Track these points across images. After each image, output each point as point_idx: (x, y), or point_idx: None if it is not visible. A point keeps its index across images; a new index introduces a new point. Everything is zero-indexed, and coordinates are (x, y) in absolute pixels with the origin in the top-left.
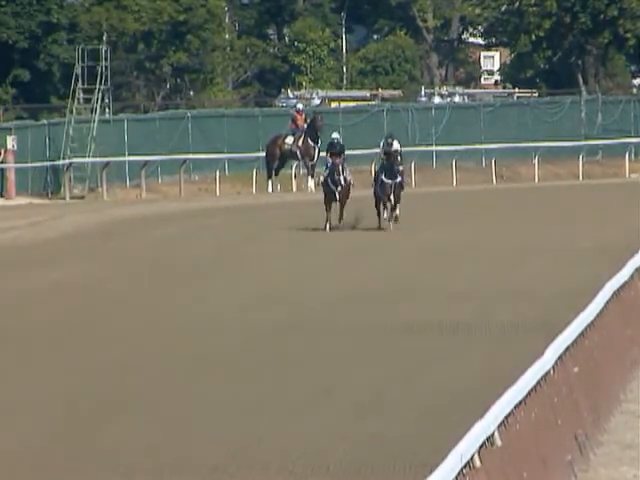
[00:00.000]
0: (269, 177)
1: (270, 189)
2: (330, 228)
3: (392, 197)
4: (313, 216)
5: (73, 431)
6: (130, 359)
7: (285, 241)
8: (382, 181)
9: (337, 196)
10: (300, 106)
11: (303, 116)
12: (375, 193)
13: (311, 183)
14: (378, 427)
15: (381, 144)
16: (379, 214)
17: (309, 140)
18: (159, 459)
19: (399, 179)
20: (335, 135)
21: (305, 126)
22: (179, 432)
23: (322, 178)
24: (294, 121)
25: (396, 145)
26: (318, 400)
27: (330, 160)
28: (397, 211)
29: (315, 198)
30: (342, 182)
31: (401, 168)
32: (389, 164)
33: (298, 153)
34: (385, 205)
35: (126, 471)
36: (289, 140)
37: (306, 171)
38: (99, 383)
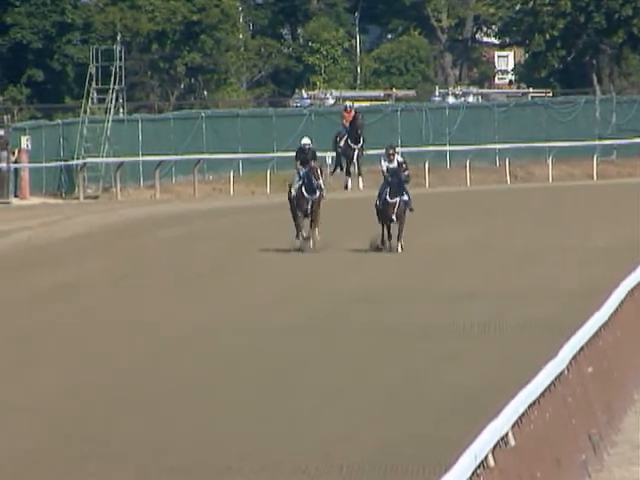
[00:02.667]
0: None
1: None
2: (300, 246)
3: (395, 217)
4: (327, 216)
5: (84, 431)
6: (140, 359)
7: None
8: (385, 200)
9: (309, 205)
10: (348, 104)
11: (352, 113)
12: (377, 212)
13: (356, 182)
14: (392, 427)
15: (381, 159)
16: (383, 233)
17: (349, 141)
18: (172, 459)
19: (405, 197)
20: (305, 140)
21: (348, 126)
22: (192, 432)
23: (293, 190)
24: (343, 119)
25: (398, 158)
26: (332, 400)
27: (301, 168)
28: (401, 241)
29: (339, 197)
30: (321, 187)
31: (408, 172)
32: (393, 180)
33: (340, 152)
34: (388, 225)
35: (138, 472)
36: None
37: (354, 170)
38: (109, 383)
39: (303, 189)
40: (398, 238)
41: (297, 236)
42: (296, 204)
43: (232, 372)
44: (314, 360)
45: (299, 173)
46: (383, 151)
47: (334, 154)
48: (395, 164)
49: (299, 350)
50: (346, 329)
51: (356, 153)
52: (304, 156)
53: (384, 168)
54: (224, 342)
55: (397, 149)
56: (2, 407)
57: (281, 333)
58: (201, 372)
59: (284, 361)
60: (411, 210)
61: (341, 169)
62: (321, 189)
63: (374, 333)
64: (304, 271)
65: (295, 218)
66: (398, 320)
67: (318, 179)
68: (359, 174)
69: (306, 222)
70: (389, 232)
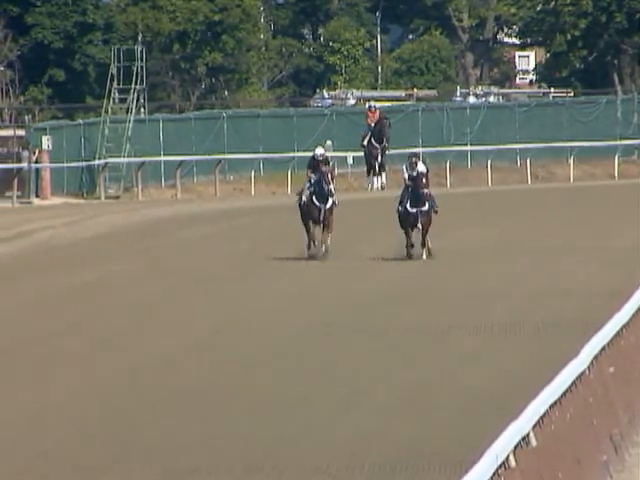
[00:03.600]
0: (367, 173)
1: (367, 185)
2: (311, 253)
3: (420, 226)
4: (347, 216)
5: (107, 431)
6: (163, 359)
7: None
8: (406, 210)
9: (322, 214)
10: (373, 104)
11: (376, 114)
12: (400, 220)
13: (377, 182)
14: (413, 427)
15: (404, 167)
16: (407, 234)
17: (373, 141)
18: (194, 459)
19: (426, 207)
20: (319, 151)
21: (372, 125)
22: (213, 432)
23: (304, 197)
24: (367, 119)
25: (421, 167)
26: (352, 400)
27: (312, 176)
28: (429, 243)
29: (360, 197)
30: (332, 193)
31: (427, 191)
32: (414, 189)
33: (366, 152)
34: (412, 230)
35: (160, 471)
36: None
37: (373, 171)
38: (132, 383)
39: (314, 197)
40: (422, 245)
41: (308, 245)
42: (307, 212)
43: (252, 373)
44: (333, 360)
45: (310, 180)
46: (412, 152)
47: (354, 154)
48: (417, 172)
49: (317, 351)
50: (366, 329)
51: (380, 152)
52: (316, 164)
53: (405, 176)
54: (247, 342)
55: (417, 150)
56: (24, 408)
57: (299, 334)
58: (220, 372)
59: (302, 361)
60: (435, 212)
61: (368, 170)
62: (332, 195)
63: (393, 333)
64: (323, 272)
65: (306, 226)
66: (418, 320)
67: (329, 184)
68: (381, 172)
69: (317, 230)
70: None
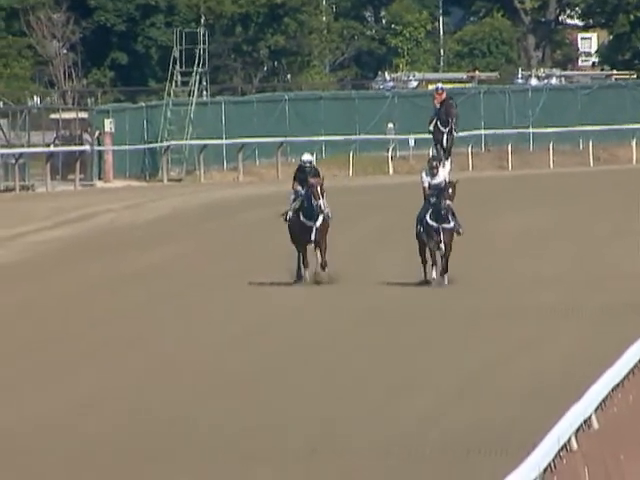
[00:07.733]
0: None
1: None
2: (304, 277)
3: (441, 245)
4: (406, 198)
5: (165, 415)
6: (222, 343)
7: (374, 226)
8: (427, 223)
9: (313, 234)
10: (440, 85)
11: (443, 96)
12: (418, 237)
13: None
14: (474, 411)
15: (422, 173)
16: (424, 262)
17: (439, 124)
18: (255, 442)
19: (450, 224)
20: (307, 157)
21: (438, 107)
22: (275, 416)
23: (290, 213)
24: (434, 100)
25: (443, 173)
26: (413, 385)
27: (299, 190)
28: (447, 274)
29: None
30: (322, 208)
31: (449, 202)
32: (436, 201)
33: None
34: (432, 253)
35: (222, 454)
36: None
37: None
38: (192, 365)
39: (301, 214)
40: (443, 271)
41: (298, 267)
42: (295, 232)
43: (312, 358)
44: (395, 345)
45: (296, 192)
46: (433, 155)
47: (416, 137)
48: (439, 180)
49: (378, 335)
50: (423, 314)
51: (445, 137)
52: (304, 176)
53: (425, 185)
54: (299, 329)
55: (479, 132)
56: (89, 391)
57: (362, 318)
58: (281, 359)
59: (365, 345)
60: (459, 234)
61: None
62: (322, 211)
63: (451, 317)
64: (377, 257)
65: (297, 248)
66: (477, 304)
67: (318, 199)
68: (447, 157)
69: (310, 252)
70: (434, 260)
